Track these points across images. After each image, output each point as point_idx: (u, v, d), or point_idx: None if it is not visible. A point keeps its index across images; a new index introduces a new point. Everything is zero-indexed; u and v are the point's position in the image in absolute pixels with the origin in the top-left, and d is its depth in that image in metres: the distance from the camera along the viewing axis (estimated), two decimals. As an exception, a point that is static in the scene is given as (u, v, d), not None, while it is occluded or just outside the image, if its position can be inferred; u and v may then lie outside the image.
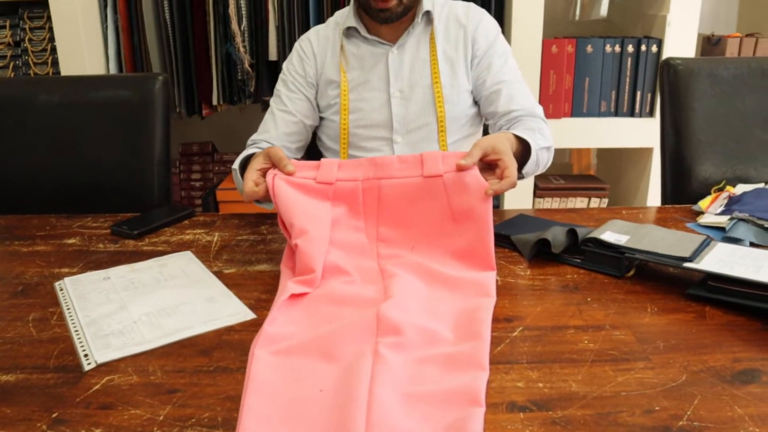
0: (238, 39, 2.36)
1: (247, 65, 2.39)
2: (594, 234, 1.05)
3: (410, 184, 1.05)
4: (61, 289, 0.99)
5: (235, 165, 1.33)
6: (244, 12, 2.36)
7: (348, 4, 1.48)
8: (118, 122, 1.50)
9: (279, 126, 1.45)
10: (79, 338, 0.84)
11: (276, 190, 1.05)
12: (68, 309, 0.93)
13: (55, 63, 2.28)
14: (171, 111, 2.43)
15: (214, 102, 2.48)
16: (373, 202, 1.07)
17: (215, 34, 2.39)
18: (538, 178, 2.46)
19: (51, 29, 2.25)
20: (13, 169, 1.52)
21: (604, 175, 2.76)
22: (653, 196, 2.32)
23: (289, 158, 1.10)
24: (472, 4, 1.48)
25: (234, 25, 2.35)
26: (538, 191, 2.41)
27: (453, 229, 1.03)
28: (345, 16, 1.46)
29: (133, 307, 0.93)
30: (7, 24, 2.29)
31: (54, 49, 2.26)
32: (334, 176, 1.08)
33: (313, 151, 1.60)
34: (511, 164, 1.04)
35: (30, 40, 2.28)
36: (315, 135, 1.55)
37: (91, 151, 1.51)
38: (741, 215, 1.16)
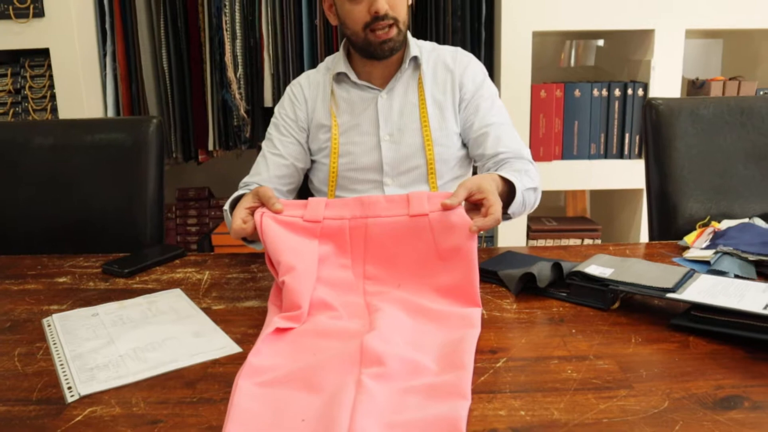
0: (234, 86, 2.42)
1: (242, 111, 2.44)
2: (579, 267, 1.06)
3: (397, 223, 1.07)
4: (49, 325, 1.00)
5: (226, 206, 1.35)
6: (240, 60, 2.42)
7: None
8: (113, 164, 1.53)
9: (270, 169, 1.47)
10: (63, 371, 0.84)
11: (264, 227, 1.07)
12: (55, 344, 0.93)
13: (54, 110, 2.32)
14: (167, 156, 2.48)
15: (210, 147, 2.51)
16: (360, 240, 1.08)
17: (212, 81, 2.44)
18: (531, 219, 2.48)
19: (51, 77, 2.30)
20: (8, 210, 1.54)
21: (598, 216, 2.78)
22: (645, 237, 2.34)
23: (279, 198, 1.12)
24: (459, 49, 1.52)
25: (230, 73, 2.40)
26: (531, 233, 2.43)
27: (439, 267, 1.04)
28: (335, 62, 1.50)
29: (120, 341, 0.93)
30: (9, 72, 2.34)
31: (53, 96, 2.31)
32: (322, 215, 1.09)
33: (304, 193, 1.63)
34: (496, 202, 1.06)
35: (30, 87, 2.33)
36: (307, 177, 1.58)
37: (84, 193, 1.53)
38: (726, 249, 1.18)
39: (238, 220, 1.12)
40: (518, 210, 1.28)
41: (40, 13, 2.24)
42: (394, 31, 1.37)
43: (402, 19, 1.38)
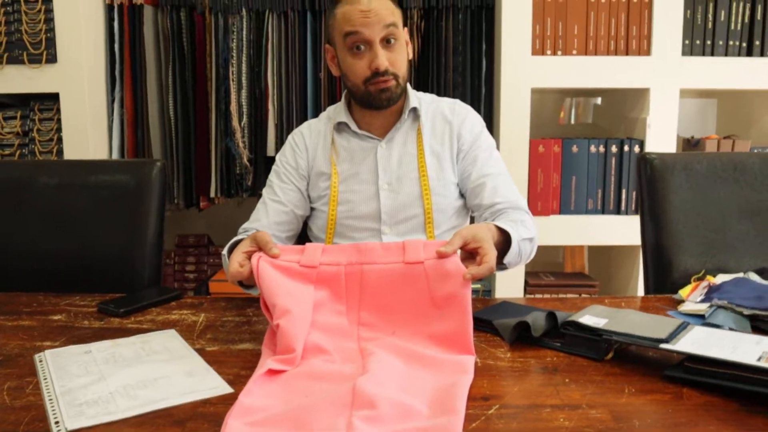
0: (238, 135, 2.46)
1: (245, 160, 2.48)
2: (573, 317, 1.06)
3: (392, 270, 1.07)
4: (41, 361, 1.00)
5: (224, 250, 1.36)
6: (245, 109, 2.47)
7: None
8: (115, 205, 1.54)
9: (270, 215, 1.49)
10: (52, 406, 0.84)
11: (260, 271, 1.07)
12: (45, 379, 0.93)
13: (60, 153, 2.36)
14: (169, 202, 2.50)
15: (212, 194, 2.54)
16: (356, 286, 1.09)
17: (216, 129, 2.49)
18: (528, 274, 2.48)
19: (59, 120, 2.35)
20: (8, 247, 1.55)
21: (596, 272, 2.78)
22: (642, 293, 2.34)
23: (276, 243, 1.13)
24: (457, 101, 1.55)
25: (235, 122, 2.45)
26: (529, 287, 2.43)
27: (433, 315, 1.04)
28: (336, 112, 1.53)
29: (111, 379, 0.93)
30: (18, 114, 2.39)
31: (60, 139, 2.35)
32: (318, 260, 1.10)
33: (303, 241, 1.63)
34: (491, 251, 1.07)
35: (38, 130, 2.37)
36: (306, 225, 1.59)
37: (85, 233, 1.54)
38: (720, 302, 1.18)
39: (235, 263, 1.12)
40: (514, 260, 1.29)
41: (52, 59, 2.31)
42: (392, 83, 1.40)
43: (401, 74, 1.42)
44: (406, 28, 1.46)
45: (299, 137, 1.55)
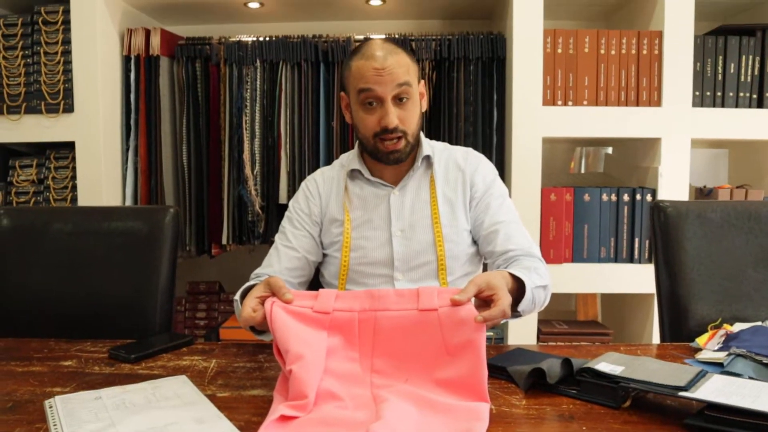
0: (251, 183, 2.48)
1: (257, 207, 2.49)
2: (589, 364, 1.04)
3: (406, 317, 1.07)
4: (51, 407, 0.99)
5: (237, 296, 1.36)
6: (257, 158, 2.50)
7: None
8: (127, 251, 1.55)
9: (282, 261, 1.49)
10: (62, 452, 0.83)
11: (273, 316, 1.07)
12: (55, 425, 0.92)
13: (74, 200, 2.38)
14: (181, 249, 2.51)
15: (224, 242, 2.55)
16: (369, 333, 1.08)
17: (229, 177, 2.52)
18: (541, 322, 2.45)
19: (74, 168, 2.38)
20: (20, 293, 1.55)
21: (609, 321, 2.75)
22: (657, 342, 2.30)
23: (290, 289, 1.13)
24: (470, 150, 1.57)
25: (248, 170, 2.47)
26: (542, 336, 2.40)
27: (447, 362, 1.03)
28: (350, 159, 1.55)
29: (121, 425, 0.92)
30: (34, 163, 2.43)
31: (75, 187, 2.38)
32: (332, 306, 1.10)
33: (315, 287, 1.63)
34: (504, 297, 1.07)
35: (53, 178, 2.41)
36: (318, 271, 1.59)
37: (98, 279, 1.54)
38: (739, 351, 1.16)
39: (247, 308, 1.12)
40: (528, 308, 1.28)
41: (69, 108, 2.36)
42: (401, 144, 1.41)
43: (411, 132, 1.43)
44: (422, 81, 1.48)
45: (313, 184, 1.56)
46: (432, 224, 1.46)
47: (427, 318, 1.05)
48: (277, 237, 1.56)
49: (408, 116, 1.41)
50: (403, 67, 1.39)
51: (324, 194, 1.54)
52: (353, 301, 1.10)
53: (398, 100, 1.39)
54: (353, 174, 1.53)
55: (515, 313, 1.27)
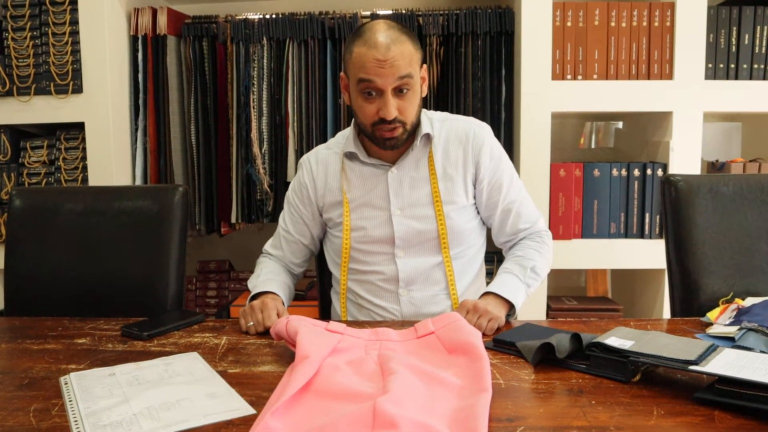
0: (259, 161, 2.48)
1: (266, 186, 2.49)
2: (599, 339, 1.04)
3: (408, 342, 1.12)
4: (66, 383, 1.00)
5: (250, 287, 1.50)
6: (265, 136, 2.49)
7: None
8: (138, 230, 1.56)
9: (285, 249, 1.61)
10: (77, 428, 0.84)
11: (289, 323, 1.11)
12: (70, 401, 0.93)
13: (85, 180, 2.39)
14: (190, 228, 2.52)
15: (233, 220, 2.56)
16: (375, 345, 1.11)
17: (237, 156, 2.52)
18: (551, 299, 2.45)
19: (84, 149, 2.39)
20: (34, 273, 1.57)
21: (619, 297, 2.75)
22: (668, 317, 2.30)
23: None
24: (472, 120, 1.53)
25: (255, 148, 2.47)
26: (551, 312, 2.40)
27: (450, 359, 1.05)
28: (346, 139, 1.53)
29: (134, 401, 0.93)
30: (45, 144, 2.44)
31: (85, 167, 2.39)
32: (343, 328, 1.14)
33: (321, 260, 1.67)
34: (491, 312, 1.27)
35: (64, 158, 2.41)
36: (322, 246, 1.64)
37: (109, 258, 1.55)
38: (750, 325, 1.16)
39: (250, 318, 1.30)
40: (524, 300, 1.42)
41: (78, 89, 2.36)
42: (398, 131, 1.40)
43: (410, 122, 1.41)
44: (424, 66, 1.45)
45: (307, 168, 1.57)
46: (433, 201, 1.46)
47: (426, 340, 1.11)
48: (280, 219, 1.62)
49: (407, 106, 1.38)
50: (405, 59, 1.34)
51: (319, 177, 1.54)
52: (360, 333, 1.14)
53: (398, 91, 1.36)
54: (349, 155, 1.51)
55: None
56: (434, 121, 1.51)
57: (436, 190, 1.46)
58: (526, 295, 1.42)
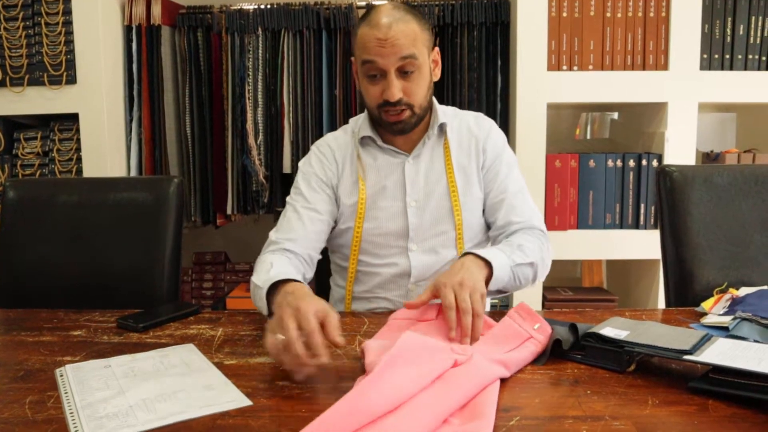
0: (254, 152, 2.48)
1: (261, 177, 2.49)
2: (594, 329, 1.05)
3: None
4: (61, 375, 1.00)
5: (258, 281, 1.25)
6: (260, 127, 2.49)
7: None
8: (133, 222, 1.55)
9: (307, 224, 1.41)
10: (73, 419, 0.84)
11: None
12: (66, 393, 0.93)
13: (79, 172, 2.39)
14: (186, 219, 2.52)
15: (229, 212, 2.56)
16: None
17: (233, 147, 2.51)
18: (546, 289, 2.46)
19: (78, 140, 2.38)
20: (28, 265, 1.57)
21: (614, 287, 2.76)
22: (662, 307, 2.31)
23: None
24: (480, 114, 1.54)
25: (251, 140, 2.47)
26: (547, 302, 2.41)
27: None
28: (359, 125, 1.50)
29: (130, 392, 0.93)
30: (39, 135, 2.43)
31: (79, 159, 2.38)
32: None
33: (324, 256, 1.59)
34: (471, 281, 1.11)
35: (58, 150, 2.41)
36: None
37: (104, 249, 1.55)
38: (744, 315, 1.16)
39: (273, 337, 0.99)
40: (510, 285, 1.30)
41: (72, 80, 2.34)
42: (406, 114, 1.37)
43: (417, 104, 1.37)
44: (436, 49, 1.42)
45: (326, 148, 1.50)
46: (449, 193, 1.44)
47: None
48: (292, 200, 1.47)
49: (413, 88, 1.36)
50: (408, 38, 1.32)
51: (339, 160, 1.48)
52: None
53: (403, 72, 1.34)
54: (364, 141, 1.48)
55: (496, 292, 1.30)
56: (447, 114, 1.50)
57: (453, 182, 1.44)
58: (511, 266, 1.26)
